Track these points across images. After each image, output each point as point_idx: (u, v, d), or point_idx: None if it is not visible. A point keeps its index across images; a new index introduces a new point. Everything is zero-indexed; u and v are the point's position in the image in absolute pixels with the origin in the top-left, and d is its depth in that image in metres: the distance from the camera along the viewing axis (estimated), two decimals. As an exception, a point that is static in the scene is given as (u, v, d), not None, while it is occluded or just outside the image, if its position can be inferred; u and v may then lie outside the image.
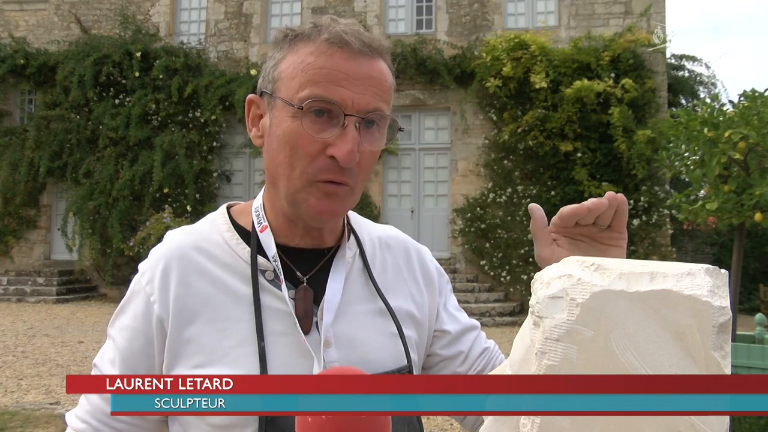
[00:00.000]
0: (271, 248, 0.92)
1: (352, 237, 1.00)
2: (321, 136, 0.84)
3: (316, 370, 0.86)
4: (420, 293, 1.04)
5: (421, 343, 1.03)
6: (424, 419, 0.99)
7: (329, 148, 0.84)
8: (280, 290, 0.90)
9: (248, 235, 0.94)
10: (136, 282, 0.92)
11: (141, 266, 0.94)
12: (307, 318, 0.90)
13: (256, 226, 0.94)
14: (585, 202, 0.88)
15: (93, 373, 0.92)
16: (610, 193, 0.88)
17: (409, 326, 1.00)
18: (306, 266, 0.94)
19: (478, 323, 1.12)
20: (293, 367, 0.87)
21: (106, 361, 0.92)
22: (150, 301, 0.89)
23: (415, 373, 0.98)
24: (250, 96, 0.94)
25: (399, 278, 1.03)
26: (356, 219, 1.05)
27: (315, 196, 0.87)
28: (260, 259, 0.91)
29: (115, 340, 0.92)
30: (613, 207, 0.87)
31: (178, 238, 0.95)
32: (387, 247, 1.05)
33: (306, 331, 0.89)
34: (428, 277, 1.07)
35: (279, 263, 0.91)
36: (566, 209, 0.88)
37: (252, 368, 0.85)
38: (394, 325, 0.96)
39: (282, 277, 0.90)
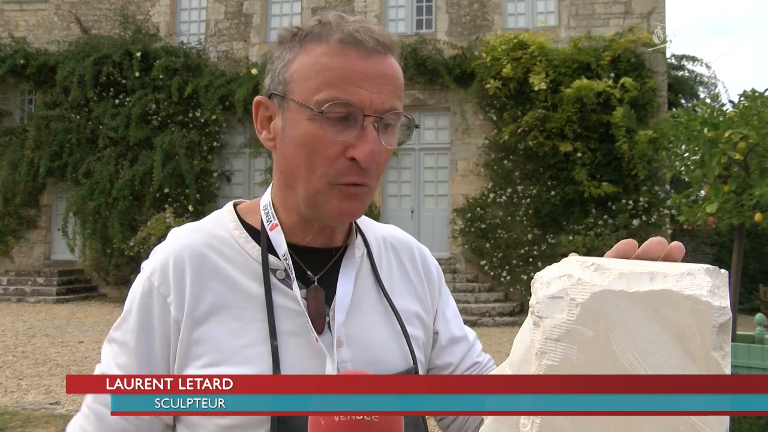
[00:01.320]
0: (281, 247, 0.90)
1: (359, 236, 1.00)
2: (340, 138, 0.83)
3: (329, 370, 0.86)
4: (424, 293, 1.04)
5: (427, 342, 1.03)
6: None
7: (349, 150, 0.83)
8: (291, 289, 0.89)
9: (257, 234, 0.93)
10: (146, 282, 0.89)
11: (146, 266, 0.91)
12: (319, 318, 0.89)
13: (266, 224, 0.93)
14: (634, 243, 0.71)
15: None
16: (659, 239, 0.70)
17: (417, 326, 0.99)
18: (316, 265, 0.94)
19: (473, 334, 1.10)
20: (306, 367, 0.86)
21: (115, 368, 0.88)
22: (167, 302, 0.87)
23: (420, 373, 0.97)
24: (258, 98, 0.92)
25: (405, 278, 1.03)
26: (361, 219, 1.04)
27: (337, 198, 0.86)
28: (271, 258, 0.90)
29: (126, 344, 0.88)
30: (662, 250, 0.69)
31: (185, 236, 0.93)
32: (392, 248, 1.05)
33: (319, 332, 0.88)
34: (430, 278, 1.07)
35: (290, 262, 0.90)
36: (615, 248, 0.70)
37: (265, 368, 0.84)
38: (399, 326, 0.96)
39: (293, 276, 0.89)
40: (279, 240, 0.91)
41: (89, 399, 0.90)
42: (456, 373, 1.04)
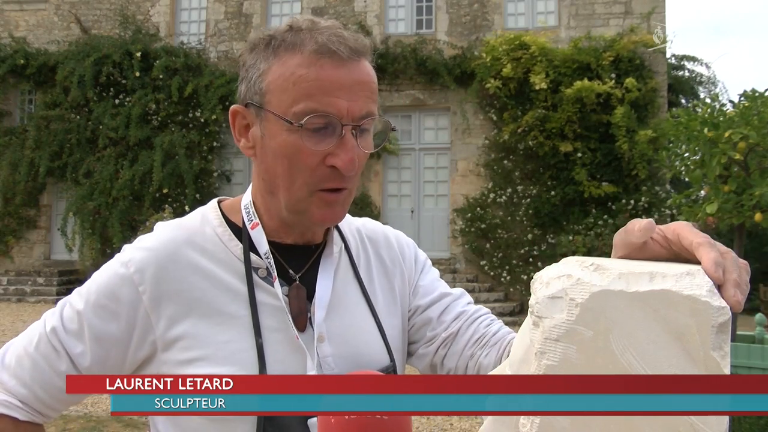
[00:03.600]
0: (262, 245, 0.93)
1: (335, 232, 1.02)
2: (320, 148, 0.85)
3: (309, 365, 0.88)
4: (402, 277, 1.07)
5: (404, 329, 1.06)
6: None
7: (329, 158, 0.86)
8: (273, 287, 0.91)
9: (240, 231, 0.95)
10: (122, 266, 0.90)
11: (127, 251, 0.92)
12: (302, 315, 0.92)
13: (247, 223, 0.95)
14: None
15: (51, 323, 0.92)
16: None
17: (395, 314, 1.03)
18: (297, 263, 0.96)
19: (458, 291, 1.09)
20: (288, 362, 0.88)
21: (72, 338, 0.89)
22: (138, 291, 0.88)
23: (398, 362, 0.99)
24: (235, 107, 0.93)
25: (383, 268, 1.06)
26: None
27: (317, 206, 0.89)
28: (252, 256, 0.93)
29: (84, 315, 0.89)
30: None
31: (169, 232, 0.94)
32: (368, 239, 1.07)
33: (302, 329, 0.91)
34: (405, 257, 1.09)
35: (272, 260, 0.92)
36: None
37: (250, 364, 0.86)
38: (380, 321, 0.99)
39: (275, 274, 0.92)
40: (260, 239, 0.93)
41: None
42: (440, 324, 1.04)
